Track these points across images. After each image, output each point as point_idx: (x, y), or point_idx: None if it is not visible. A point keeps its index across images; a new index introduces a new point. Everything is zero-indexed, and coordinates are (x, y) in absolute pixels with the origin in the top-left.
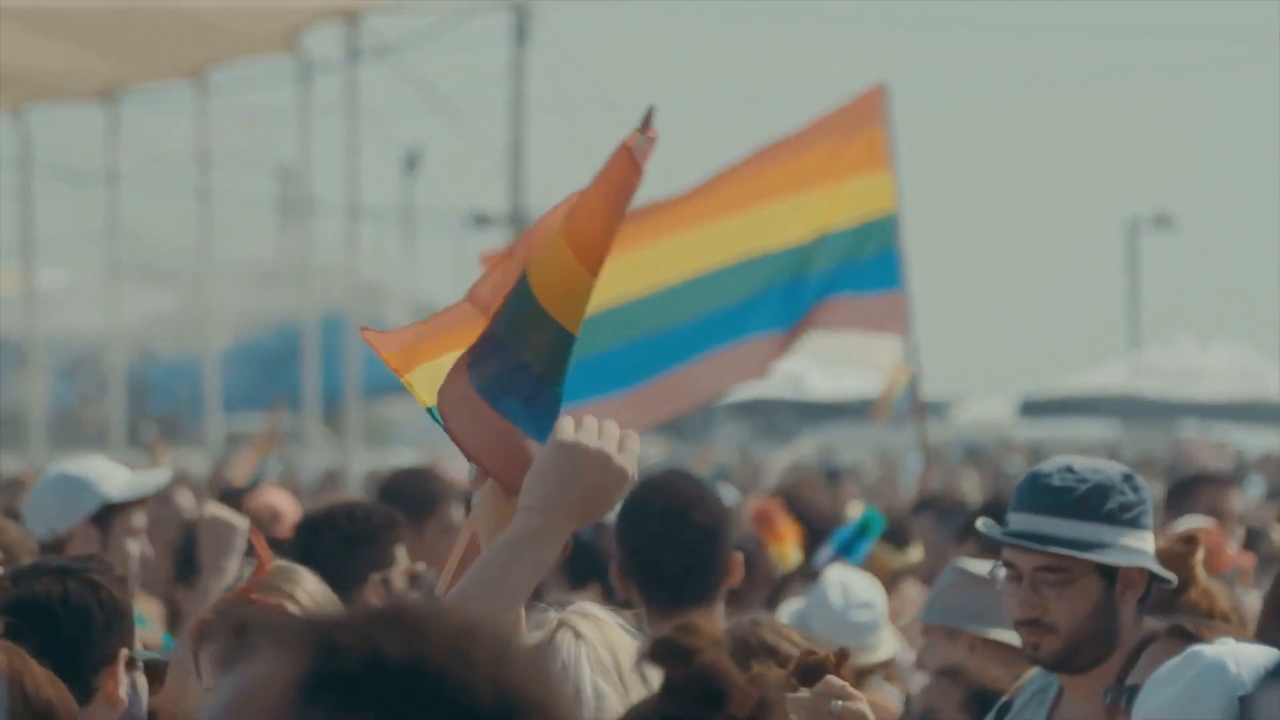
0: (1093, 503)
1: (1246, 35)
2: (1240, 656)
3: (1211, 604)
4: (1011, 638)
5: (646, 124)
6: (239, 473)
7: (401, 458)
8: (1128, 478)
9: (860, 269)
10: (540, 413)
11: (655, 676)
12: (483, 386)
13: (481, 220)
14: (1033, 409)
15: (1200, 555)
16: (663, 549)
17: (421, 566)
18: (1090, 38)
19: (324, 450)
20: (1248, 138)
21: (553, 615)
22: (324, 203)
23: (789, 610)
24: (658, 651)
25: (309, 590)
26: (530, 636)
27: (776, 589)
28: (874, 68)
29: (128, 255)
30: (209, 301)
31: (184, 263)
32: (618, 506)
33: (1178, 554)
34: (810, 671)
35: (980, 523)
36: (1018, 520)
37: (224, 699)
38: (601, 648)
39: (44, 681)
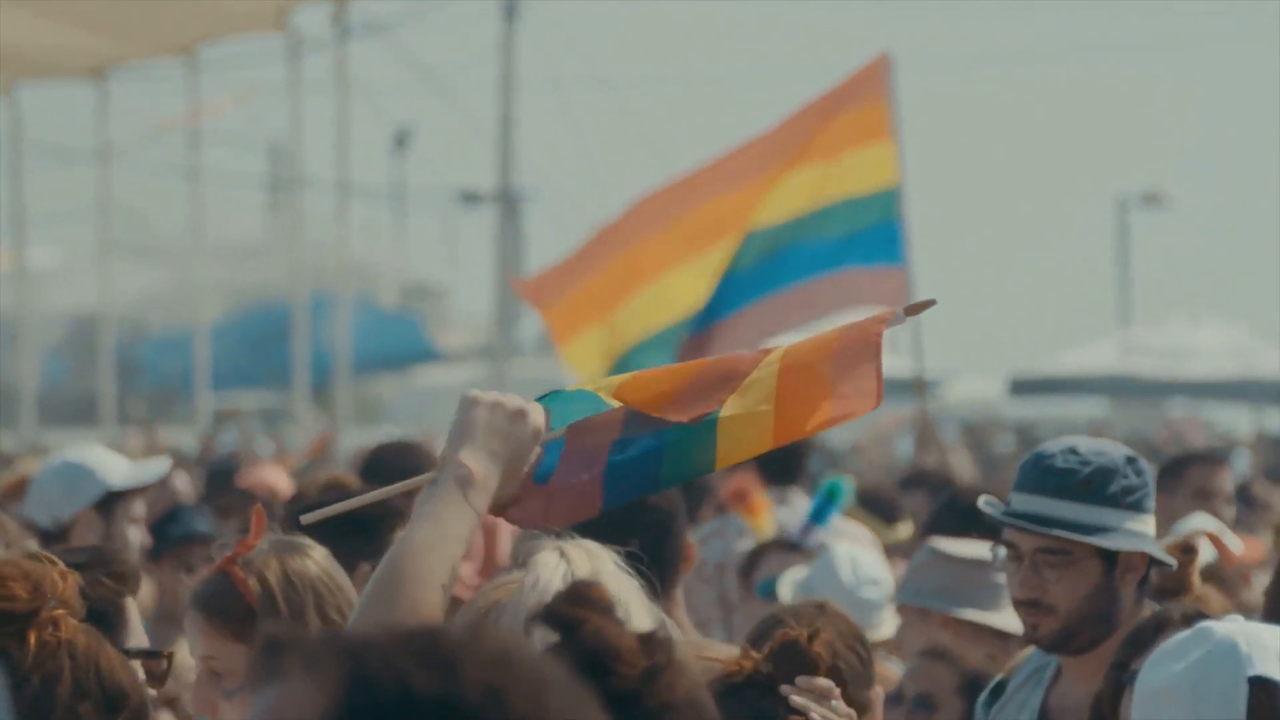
0: (1096, 485)
1: (1238, 11)
2: (1251, 636)
3: (1207, 608)
4: (980, 617)
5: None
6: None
7: (390, 435)
8: (1131, 460)
9: (861, 242)
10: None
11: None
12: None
13: (471, 198)
14: (1022, 387)
15: (1198, 565)
16: (622, 535)
17: None
18: (1080, 14)
19: (313, 427)
20: (1238, 115)
21: (545, 542)
22: (314, 180)
23: (791, 579)
24: (546, 618)
25: (290, 568)
26: (518, 557)
27: (751, 559)
28: (865, 42)
29: (119, 233)
30: (199, 279)
31: (174, 240)
32: None
33: (1178, 563)
34: (786, 652)
35: (982, 501)
36: (1020, 501)
37: None
38: (584, 572)
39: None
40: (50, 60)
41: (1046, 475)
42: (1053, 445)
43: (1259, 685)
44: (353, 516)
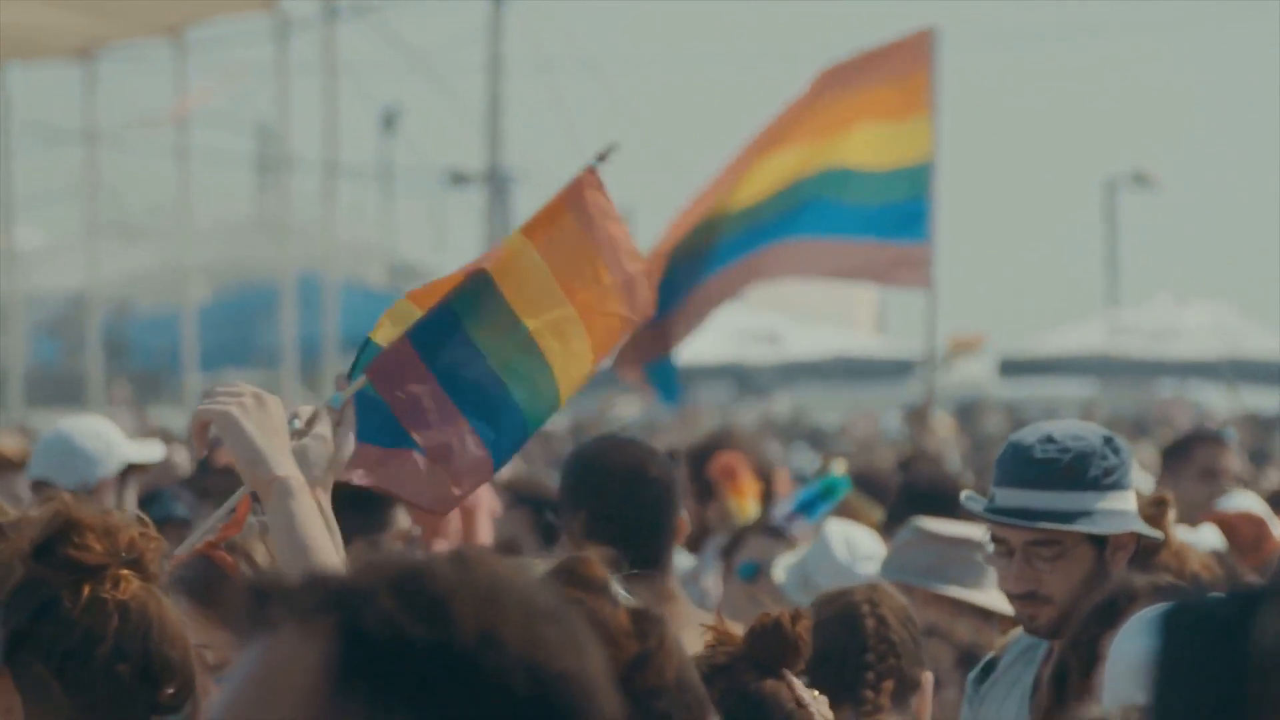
0: (1077, 471)
1: None
2: None
3: (1183, 564)
4: (964, 595)
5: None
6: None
7: None
8: (1108, 440)
9: (888, 215)
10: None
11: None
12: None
13: (459, 179)
14: (1011, 368)
15: (1172, 515)
16: (624, 510)
17: (415, 530)
18: None
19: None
20: (1226, 96)
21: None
22: (302, 161)
23: (786, 563)
24: None
25: (271, 548)
26: None
27: (734, 542)
28: (850, 23)
29: (106, 213)
30: (187, 259)
31: (162, 220)
32: (570, 472)
33: (1149, 516)
34: (768, 633)
35: (965, 497)
36: (1004, 496)
37: (244, 678)
38: None
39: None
40: (37, 41)
41: (1027, 467)
42: (1028, 435)
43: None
44: (349, 493)
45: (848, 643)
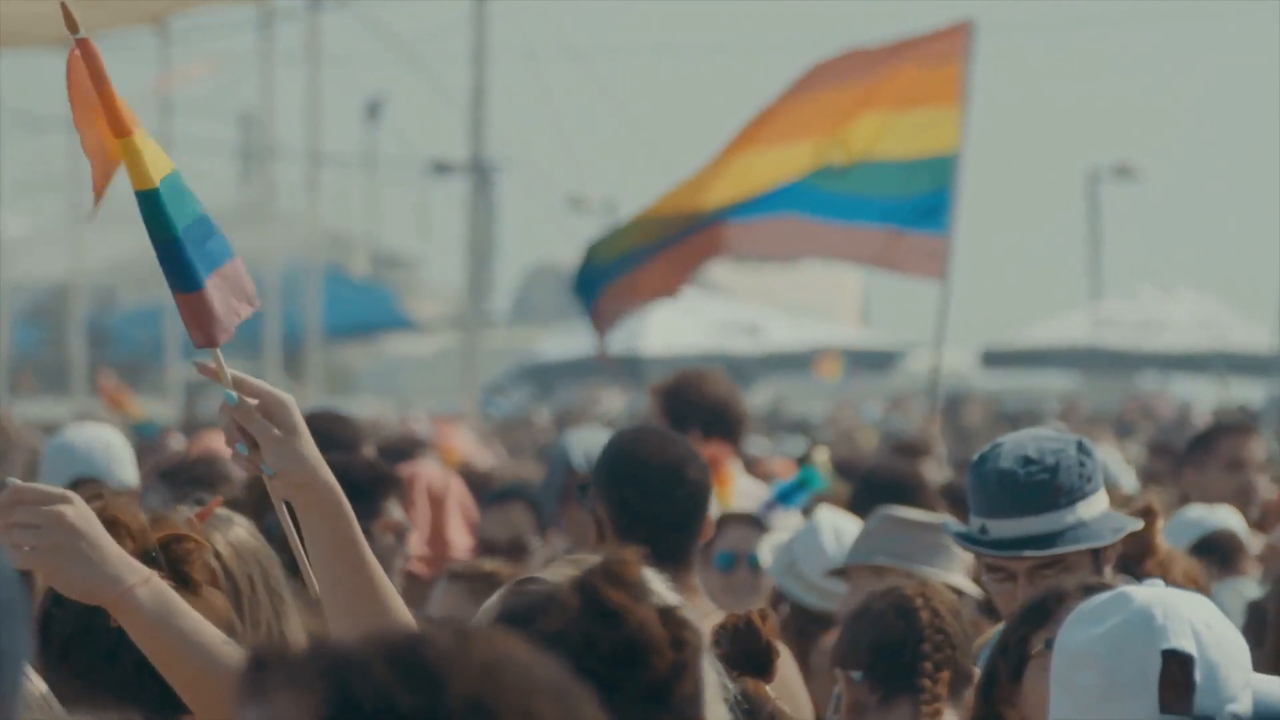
0: (1064, 489)
1: None
2: (1169, 606)
3: (1166, 574)
4: (939, 576)
5: None
6: None
7: (365, 405)
8: (1080, 446)
9: (910, 205)
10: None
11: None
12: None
13: (442, 168)
14: (994, 360)
15: (1160, 525)
16: (657, 504)
17: (406, 522)
18: None
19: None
20: (1209, 88)
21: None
22: (286, 149)
23: (772, 544)
24: (589, 610)
25: (231, 540)
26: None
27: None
28: (826, 20)
29: (90, 202)
30: None
31: None
32: (607, 458)
33: (1141, 525)
34: (738, 631)
35: (953, 533)
36: (999, 527)
37: None
38: None
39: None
40: (22, 29)
41: (1016, 495)
42: (1006, 459)
43: (1171, 658)
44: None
45: (905, 634)
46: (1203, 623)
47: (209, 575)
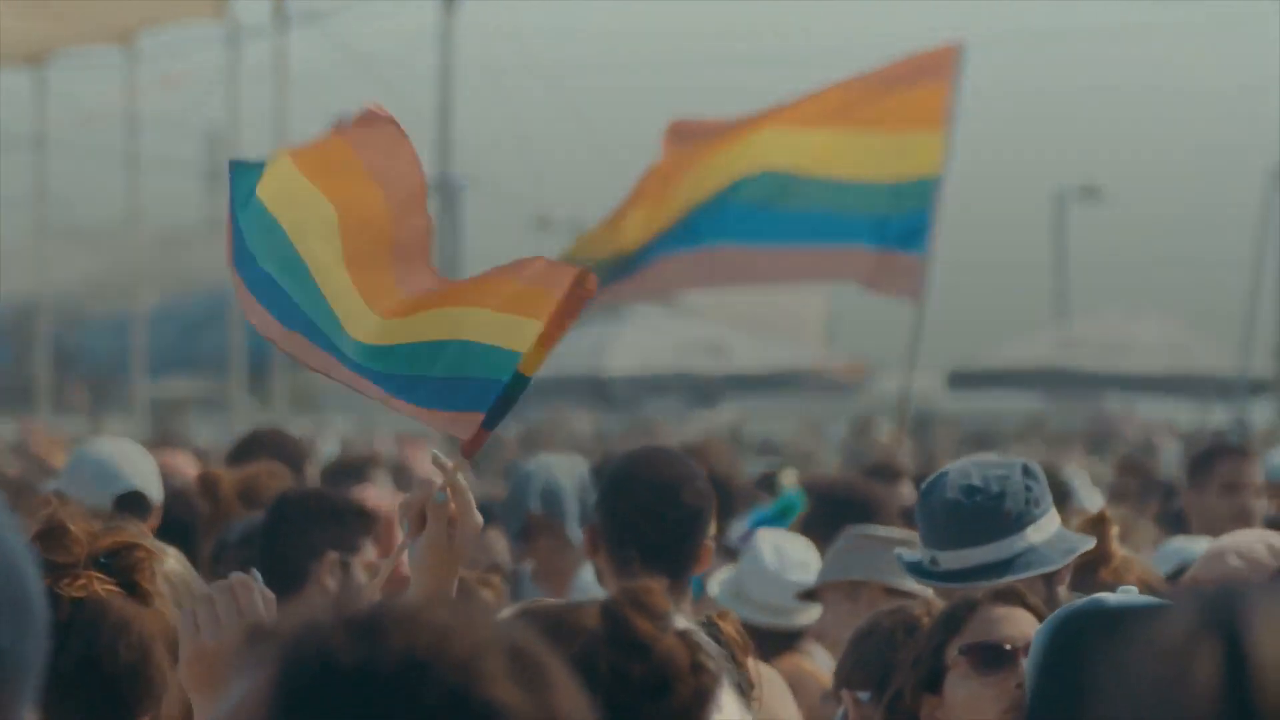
0: (1012, 515)
1: (1175, 3)
2: None
3: (1121, 579)
4: (913, 587)
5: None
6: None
7: (331, 424)
8: (1026, 470)
9: (889, 225)
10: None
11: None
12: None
13: None
14: (959, 380)
15: (1114, 532)
16: (648, 523)
17: (381, 563)
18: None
19: (249, 415)
20: (1174, 108)
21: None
22: None
23: (720, 579)
24: (616, 640)
25: (167, 572)
26: None
27: None
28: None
29: (55, 219)
30: (136, 265)
31: (111, 226)
32: (605, 477)
33: (1091, 534)
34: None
35: (906, 562)
36: (948, 559)
37: (219, 715)
38: None
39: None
40: None
41: (963, 525)
42: (951, 489)
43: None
44: (330, 506)
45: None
46: None
47: (158, 587)
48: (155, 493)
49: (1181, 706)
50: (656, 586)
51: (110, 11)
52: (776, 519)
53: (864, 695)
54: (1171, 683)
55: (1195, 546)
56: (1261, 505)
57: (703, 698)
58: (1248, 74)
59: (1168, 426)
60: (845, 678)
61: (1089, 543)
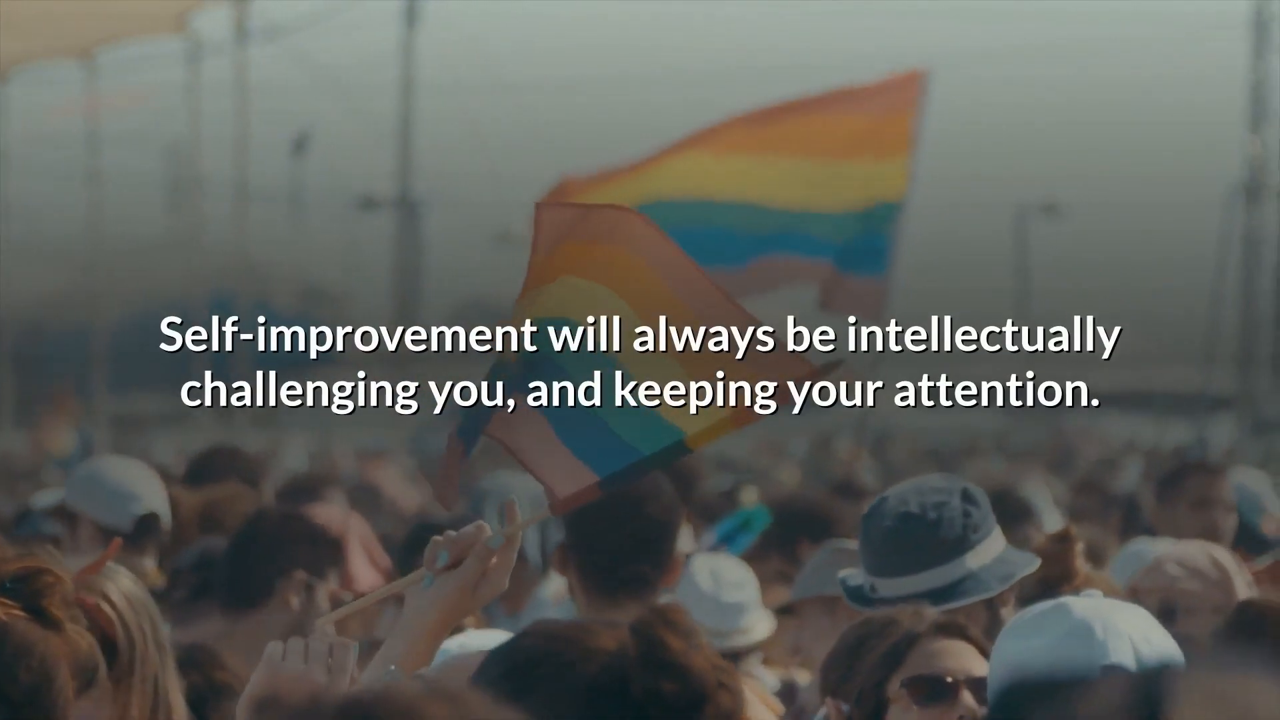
0: (951, 540)
1: (1139, 20)
2: (1108, 621)
3: None
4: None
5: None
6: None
7: (293, 439)
8: (965, 494)
9: (850, 248)
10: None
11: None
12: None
13: (369, 204)
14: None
15: (1079, 548)
16: (611, 537)
17: (347, 595)
18: (975, 21)
19: (211, 431)
20: (1135, 125)
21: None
22: (213, 183)
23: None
24: (650, 662)
25: (124, 591)
26: None
27: None
28: (761, 49)
29: (16, 234)
30: (97, 281)
31: (72, 242)
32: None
33: (1055, 552)
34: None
35: (846, 588)
36: (886, 586)
37: None
38: None
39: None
40: None
41: (900, 553)
42: (888, 516)
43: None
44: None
45: None
46: (1141, 637)
47: (70, 612)
48: (167, 515)
49: None
50: (680, 608)
51: (70, 26)
52: (740, 533)
53: (846, 706)
54: None
55: (1157, 549)
56: (1232, 521)
57: (731, 716)
58: (1207, 92)
59: (1129, 443)
60: (829, 688)
61: (1032, 564)
